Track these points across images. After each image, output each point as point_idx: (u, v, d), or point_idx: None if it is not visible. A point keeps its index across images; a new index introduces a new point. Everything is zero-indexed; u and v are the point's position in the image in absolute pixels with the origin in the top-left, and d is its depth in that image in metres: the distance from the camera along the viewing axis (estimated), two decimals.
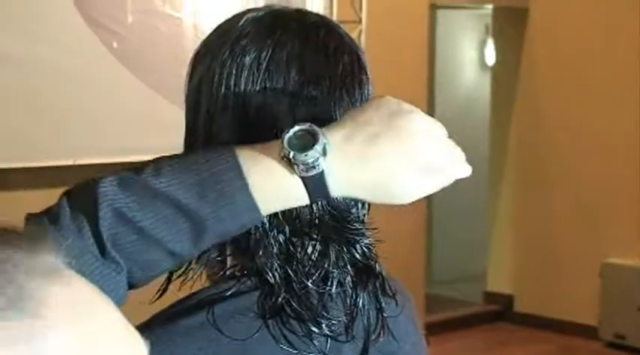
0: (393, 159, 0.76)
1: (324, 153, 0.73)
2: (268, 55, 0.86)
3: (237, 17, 0.92)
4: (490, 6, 6.95)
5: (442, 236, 7.62)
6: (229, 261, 0.88)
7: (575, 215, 6.45)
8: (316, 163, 0.73)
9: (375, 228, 0.92)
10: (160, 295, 0.87)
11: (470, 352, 6.46)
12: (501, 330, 6.79)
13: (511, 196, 7.08)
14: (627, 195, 6.19)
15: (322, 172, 0.73)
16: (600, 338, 6.09)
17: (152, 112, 4.52)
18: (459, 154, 0.83)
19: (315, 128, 0.74)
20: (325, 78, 0.87)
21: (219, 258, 0.87)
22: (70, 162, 4.39)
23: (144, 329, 0.75)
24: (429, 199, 6.06)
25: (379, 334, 0.89)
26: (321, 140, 0.73)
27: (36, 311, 0.42)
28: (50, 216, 0.73)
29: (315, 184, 0.75)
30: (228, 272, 0.87)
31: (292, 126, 0.74)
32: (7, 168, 4.31)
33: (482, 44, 7.87)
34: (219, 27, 0.93)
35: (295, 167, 0.72)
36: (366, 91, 0.89)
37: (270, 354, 0.82)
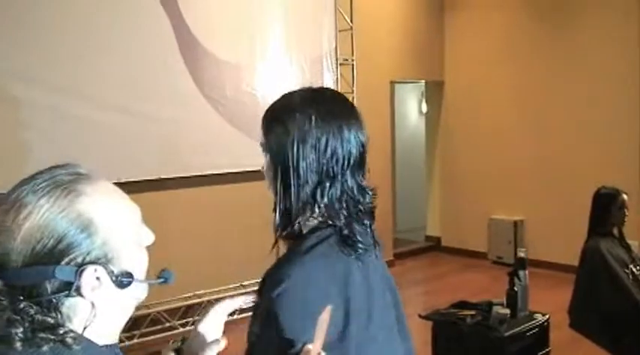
0: None
1: None
2: (314, 116, 1.16)
3: (289, 94, 1.21)
4: (423, 81, 8.43)
5: (402, 204, 8.81)
6: (317, 221, 1.21)
7: (470, 193, 7.81)
8: None
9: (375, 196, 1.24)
10: (273, 247, 1.21)
11: (417, 269, 7.66)
12: (434, 256, 8.22)
13: (437, 185, 8.44)
14: (500, 178, 7.40)
15: None
16: (488, 258, 7.49)
17: (236, 143, 5.01)
18: None
19: None
20: (340, 114, 1.19)
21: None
22: (209, 172, 5.00)
23: (285, 263, 1.12)
24: (394, 182, 7.76)
25: (378, 248, 1.31)
26: None
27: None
28: None
29: None
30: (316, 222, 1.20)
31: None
32: (165, 178, 4.90)
33: (420, 102, 9.34)
34: (278, 101, 1.20)
35: None
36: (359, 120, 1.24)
37: (344, 260, 1.18)
